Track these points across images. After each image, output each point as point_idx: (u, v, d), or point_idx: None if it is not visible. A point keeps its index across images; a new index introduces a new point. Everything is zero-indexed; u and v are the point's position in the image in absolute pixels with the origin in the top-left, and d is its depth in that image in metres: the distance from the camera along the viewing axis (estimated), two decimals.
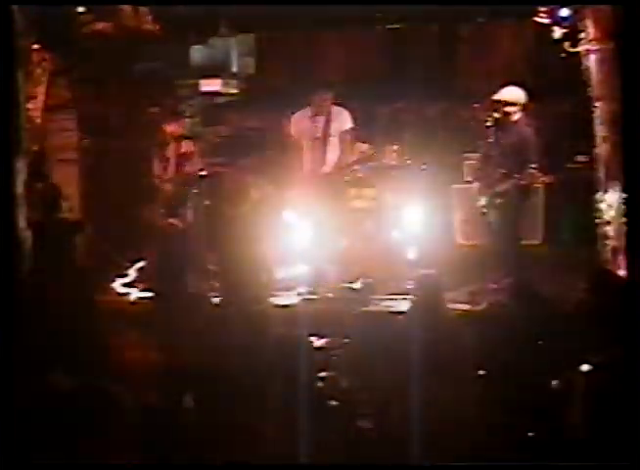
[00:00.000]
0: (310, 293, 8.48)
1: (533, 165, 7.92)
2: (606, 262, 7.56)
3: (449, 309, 7.01)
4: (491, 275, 8.34)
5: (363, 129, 9.55)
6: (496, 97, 8.16)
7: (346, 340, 6.85)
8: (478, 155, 8.63)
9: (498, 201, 8.11)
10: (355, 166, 9.00)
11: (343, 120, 8.85)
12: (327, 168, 8.85)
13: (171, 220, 8.84)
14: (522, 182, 7.93)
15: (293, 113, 9.09)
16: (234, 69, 10.92)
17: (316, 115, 8.85)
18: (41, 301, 6.66)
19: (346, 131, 8.86)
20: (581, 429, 5.04)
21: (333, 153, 8.86)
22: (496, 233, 8.27)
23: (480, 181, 8.35)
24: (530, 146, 8.02)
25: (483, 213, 8.34)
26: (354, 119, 8.91)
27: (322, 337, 6.92)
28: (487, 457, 5.03)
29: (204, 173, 9.16)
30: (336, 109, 8.86)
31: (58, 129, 9.47)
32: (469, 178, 9.31)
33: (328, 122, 8.82)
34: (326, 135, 8.82)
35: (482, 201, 8.28)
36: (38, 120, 8.65)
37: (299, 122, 8.96)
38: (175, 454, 5.01)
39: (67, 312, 6.66)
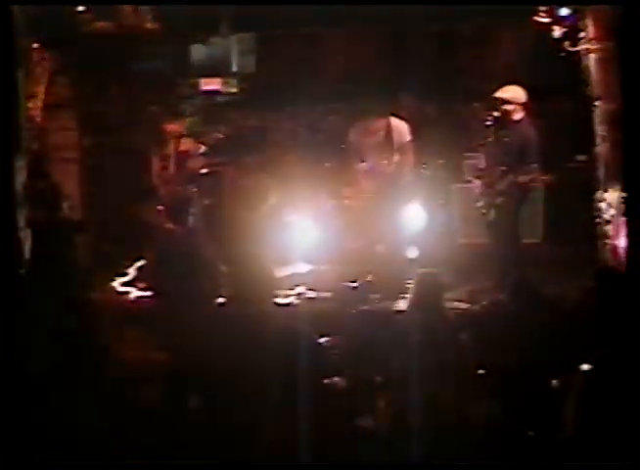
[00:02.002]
0: (310, 292, 8.49)
1: (535, 164, 7.92)
2: (606, 261, 7.57)
3: (449, 308, 7.02)
4: (491, 274, 8.34)
5: None
6: (496, 95, 8.17)
7: (346, 339, 6.85)
8: (479, 154, 8.63)
9: (499, 199, 8.11)
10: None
11: (402, 133, 8.86)
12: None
13: (169, 225, 8.84)
14: (523, 179, 7.92)
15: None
16: (234, 68, 10.93)
17: (374, 127, 8.89)
18: (41, 300, 6.66)
19: (405, 144, 8.85)
20: (580, 428, 5.05)
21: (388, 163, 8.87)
22: (498, 232, 8.27)
23: (482, 180, 8.34)
24: (533, 145, 8.02)
25: (484, 213, 8.34)
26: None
27: (322, 336, 6.92)
28: (487, 457, 5.04)
29: (204, 172, 9.17)
30: (395, 121, 8.87)
31: (58, 128, 9.47)
32: (470, 177, 9.34)
33: (388, 135, 8.82)
34: (384, 147, 8.83)
35: (484, 199, 8.28)
36: (38, 119, 8.66)
37: (358, 132, 8.99)
38: (175, 454, 5.01)
39: (66, 311, 6.67)
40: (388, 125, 8.83)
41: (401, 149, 8.83)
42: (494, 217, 8.23)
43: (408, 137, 8.86)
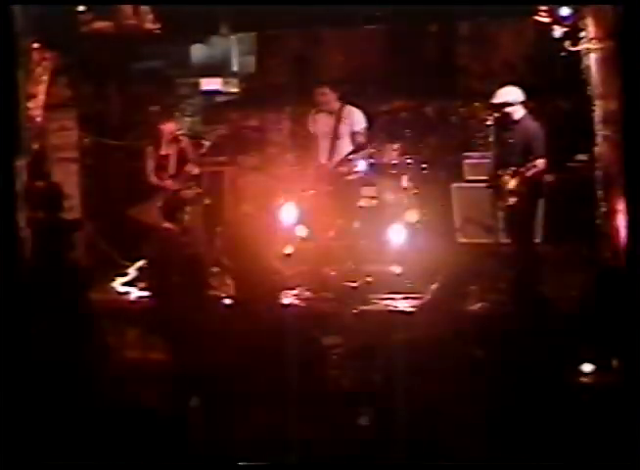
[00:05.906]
0: (310, 292, 8.48)
1: (544, 159, 7.89)
2: (606, 262, 7.55)
3: (449, 308, 7.03)
4: (492, 274, 8.34)
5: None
6: (494, 100, 8.17)
7: (346, 339, 6.86)
8: (488, 154, 8.59)
9: (512, 199, 8.08)
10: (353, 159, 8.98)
11: (356, 121, 8.88)
12: (330, 164, 8.89)
13: (167, 225, 8.84)
14: (532, 171, 7.87)
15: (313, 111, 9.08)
16: (234, 67, 10.95)
17: (324, 112, 8.88)
18: (41, 299, 6.67)
19: (358, 132, 8.88)
20: (581, 428, 5.05)
21: (342, 151, 8.88)
22: (513, 233, 8.22)
23: (492, 181, 8.31)
24: (540, 139, 8.01)
25: (504, 212, 8.27)
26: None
27: (322, 336, 6.93)
28: (487, 456, 5.04)
29: (203, 172, 9.18)
30: (347, 108, 8.87)
31: (58, 128, 9.47)
32: (472, 176, 9.36)
33: (338, 121, 8.83)
34: (336, 134, 8.85)
35: (497, 201, 8.24)
36: (39, 119, 8.66)
37: (317, 120, 8.99)
38: (178, 454, 5.02)
39: (66, 311, 6.68)
40: (339, 112, 8.82)
41: (353, 137, 8.85)
42: (509, 219, 8.19)
43: (363, 124, 8.87)
